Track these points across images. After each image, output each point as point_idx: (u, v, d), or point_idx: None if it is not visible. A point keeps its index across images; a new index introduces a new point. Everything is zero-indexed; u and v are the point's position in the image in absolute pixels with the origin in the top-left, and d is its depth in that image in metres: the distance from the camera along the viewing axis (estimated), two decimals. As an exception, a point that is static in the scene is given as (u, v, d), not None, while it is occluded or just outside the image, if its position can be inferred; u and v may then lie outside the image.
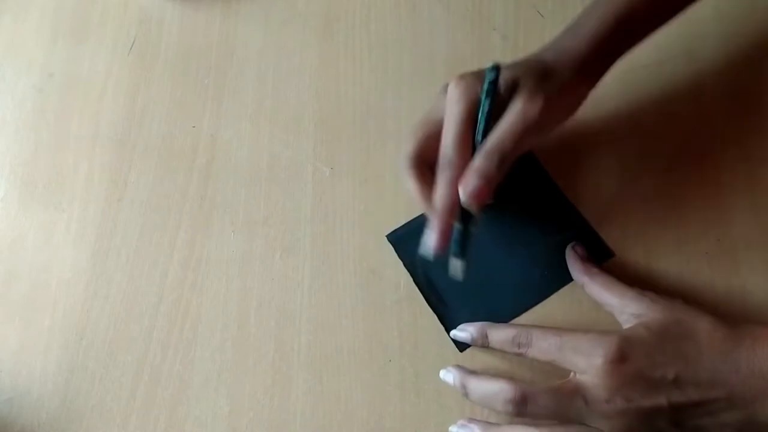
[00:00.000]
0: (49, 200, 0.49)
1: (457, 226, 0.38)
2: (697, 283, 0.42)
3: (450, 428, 0.39)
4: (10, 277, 0.47)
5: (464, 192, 0.36)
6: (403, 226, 0.45)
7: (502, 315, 0.42)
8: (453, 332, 0.41)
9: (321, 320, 0.44)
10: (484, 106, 0.38)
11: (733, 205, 0.44)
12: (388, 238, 0.45)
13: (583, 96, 0.41)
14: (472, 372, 0.39)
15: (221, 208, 0.48)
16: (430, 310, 0.43)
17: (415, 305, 0.43)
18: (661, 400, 0.33)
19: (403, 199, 0.47)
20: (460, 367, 0.40)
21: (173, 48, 0.54)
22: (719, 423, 0.33)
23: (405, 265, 0.44)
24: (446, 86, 0.39)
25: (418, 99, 0.50)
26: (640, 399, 0.33)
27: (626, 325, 0.38)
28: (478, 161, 0.37)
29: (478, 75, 0.38)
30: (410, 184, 0.39)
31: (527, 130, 0.37)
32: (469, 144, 0.38)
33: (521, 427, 0.37)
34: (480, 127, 0.38)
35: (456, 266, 0.39)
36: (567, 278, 0.42)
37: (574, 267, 0.42)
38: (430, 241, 0.38)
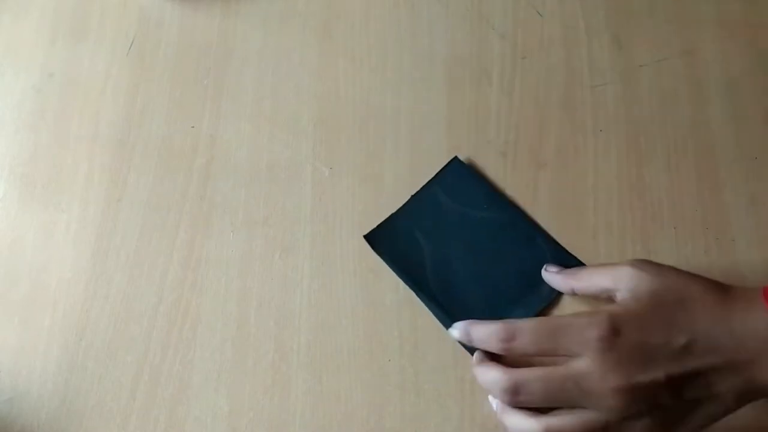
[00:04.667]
0: (48, 200, 0.49)
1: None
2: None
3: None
4: (10, 277, 0.47)
5: None
6: (380, 224, 0.46)
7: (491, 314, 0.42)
8: (449, 331, 0.41)
9: (321, 320, 0.44)
10: None
11: (733, 205, 0.44)
12: (366, 238, 0.45)
13: None
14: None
15: (221, 208, 0.48)
16: (430, 310, 0.43)
17: (415, 305, 0.43)
18: (658, 373, 0.32)
19: (402, 199, 0.47)
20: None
21: (173, 48, 0.54)
22: (719, 392, 0.33)
23: (388, 263, 0.44)
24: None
25: (417, 99, 0.50)
26: (637, 374, 0.32)
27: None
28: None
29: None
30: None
31: None
32: None
33: (520, 415, 0.36)
34: None
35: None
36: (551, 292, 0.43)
37: (556, 282, 0.42)
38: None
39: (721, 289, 0.35)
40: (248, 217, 0.47)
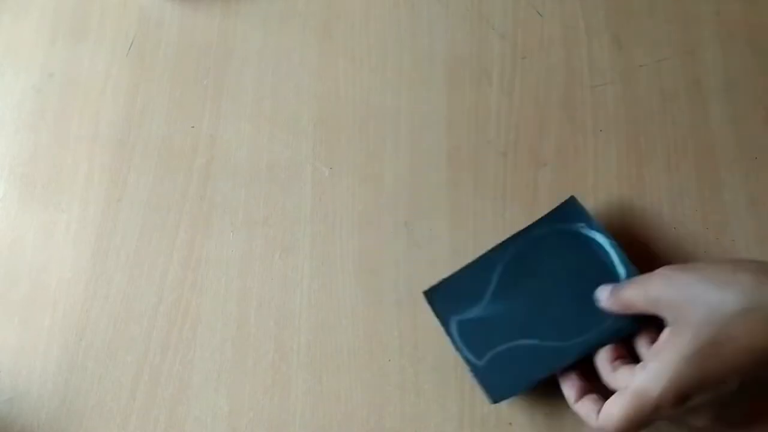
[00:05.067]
0: (48, 200, 0.49)
1: None
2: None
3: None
4: (10, 277, 0.47)
5: None
6: (442, 281, 0.43)
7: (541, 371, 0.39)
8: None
9: (320, 320, 0.44)
10: None
11: (733, 205, 0.45)
12: (425, 295, 0.42)
13: None
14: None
15: (221, 208, 0.48)
16: (430, 309, 0.43)
17: (415, 305, 0.43)
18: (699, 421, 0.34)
19: (402, 199, 0.47)
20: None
21: (172, 48, 0.54)
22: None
23: (441, 323, 0.42)
24: None
25: (417, 99, 0.50)
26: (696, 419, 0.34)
27: (668, 321, 0.35)
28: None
29: None
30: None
31: None
32: None
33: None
34: None
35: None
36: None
37: (608, 306, 0.38)
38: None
39: (760, 301, 0.31)
40: (248, 217, 0.47)
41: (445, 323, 0.41)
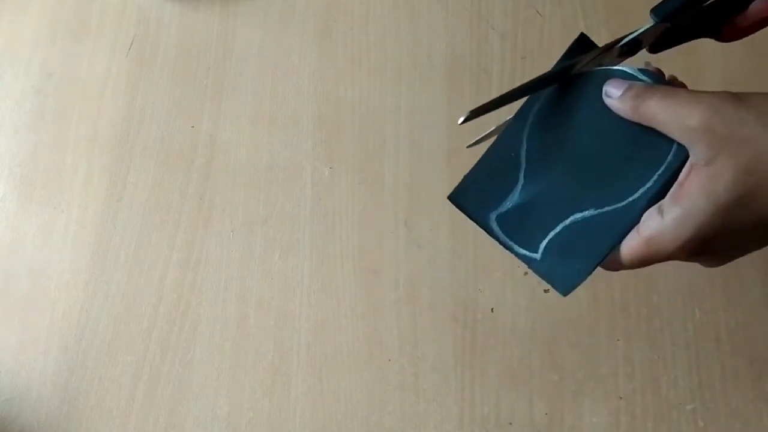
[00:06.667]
0: (48, 200, 0.49)
1: None
2: (697, 281, 0.42)
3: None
4: (9, 277, 0.47)
5: None
6: (465, 178, 0.35)
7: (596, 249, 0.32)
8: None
9: (320, 320, 0.44)
10: None
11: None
12: (451, 200, 0.35)
13: None
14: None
15: (220, 208, 0.48)
16: (430, 309, 0.43)
17: (415, 305, 0.43)
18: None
19: (402, 199, 0.47)
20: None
21: (172, 48, 0.54)
22: None
23: (479, 225, 0.35)
24: None
25: (417, 99, 0.50)
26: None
27: (699, 157, 0.29)
28: None
29: None
30: None
31: None
32: None
33: None
34: None
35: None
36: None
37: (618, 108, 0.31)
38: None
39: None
40: (248, 217, 0.47)
41: (483, 224, 0.35)
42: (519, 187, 0.34)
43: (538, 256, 0.33)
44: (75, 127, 0.51)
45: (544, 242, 0.33)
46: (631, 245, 0.30)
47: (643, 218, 0.30)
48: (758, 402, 0.38)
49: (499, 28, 0.51)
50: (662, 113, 0.30)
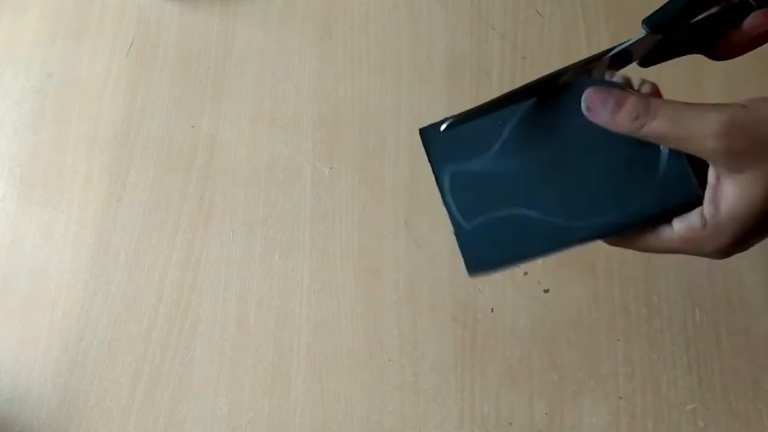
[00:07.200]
0: (48, 200, 0.49)
1: None
2: (697, 280, 0.42)
3: None
4: (9, 277, 0.47)
5: None
6: (444, 119, 0.32)
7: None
8: None
9: (320, 320, 0.44)
10: None
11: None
12: (420, 133, 0.34)
13: None
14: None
15: (220, 208, 0.48)
16: (430, 309, 0.43)
17: (415, 305, 0.43)
18: None
19: (402, 199, 0.47)
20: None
21: (172, 48, 0.54)
22: None
23: (432, 169, 0.34)
24: None
25: (417, 99, 0.50)
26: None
27: (725, 170, 0.29)
28: None
29: None
30: None
31: None
32: None
33: None
34: None
35: None
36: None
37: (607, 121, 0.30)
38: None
39: None
40: (248, 216, 0.47)
41: (437, 170, 0.33)
42: (489, 154, 0.33)
43: (467, 226, 0.33)
44: (75, 127, 0.51)
45: (482, 217, 0.33)
46: (666, 239, 0.30)
47: (679, 218, 0.30)
48: (758, 402, 0.38)
49: (499, 28, 0.51)
50: (672, 134, 0.30)
